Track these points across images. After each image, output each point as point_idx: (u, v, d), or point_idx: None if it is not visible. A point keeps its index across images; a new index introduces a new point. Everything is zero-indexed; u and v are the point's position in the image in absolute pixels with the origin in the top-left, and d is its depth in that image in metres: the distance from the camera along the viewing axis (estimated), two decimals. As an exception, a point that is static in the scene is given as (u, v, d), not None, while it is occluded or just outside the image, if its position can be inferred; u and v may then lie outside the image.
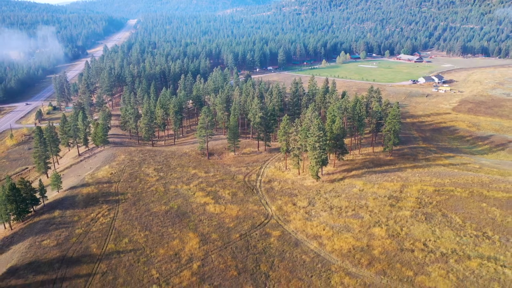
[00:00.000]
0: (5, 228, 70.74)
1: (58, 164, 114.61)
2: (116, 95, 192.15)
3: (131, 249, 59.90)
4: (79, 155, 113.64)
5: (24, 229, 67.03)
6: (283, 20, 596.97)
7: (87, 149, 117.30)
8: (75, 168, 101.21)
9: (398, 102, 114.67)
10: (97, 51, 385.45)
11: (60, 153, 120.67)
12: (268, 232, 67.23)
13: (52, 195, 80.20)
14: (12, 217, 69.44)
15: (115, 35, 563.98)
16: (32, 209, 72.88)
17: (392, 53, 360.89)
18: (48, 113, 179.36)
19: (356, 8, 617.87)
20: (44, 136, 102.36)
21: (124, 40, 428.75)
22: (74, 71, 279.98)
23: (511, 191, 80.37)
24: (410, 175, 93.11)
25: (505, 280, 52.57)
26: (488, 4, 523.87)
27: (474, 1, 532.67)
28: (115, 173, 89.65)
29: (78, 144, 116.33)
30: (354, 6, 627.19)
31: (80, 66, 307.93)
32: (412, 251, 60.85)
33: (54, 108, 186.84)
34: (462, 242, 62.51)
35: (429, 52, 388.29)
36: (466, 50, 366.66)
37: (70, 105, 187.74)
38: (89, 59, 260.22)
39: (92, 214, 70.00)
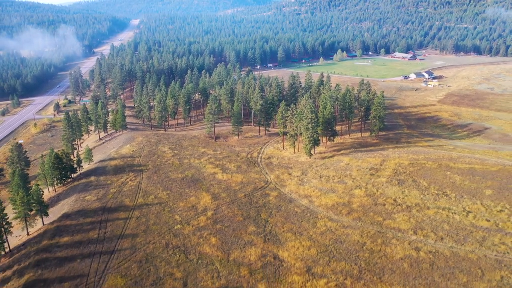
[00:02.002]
0: (49, 191, 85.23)
1: (81, 147, 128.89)
2: (126, 90, 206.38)
3: (157, 202, 74.37)
4: (100, 139, 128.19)
5: (67, 190, 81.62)
6: (283, 20, 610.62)
7: (106, 134, 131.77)
8: (99, 148, 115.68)
9: (383, 92, 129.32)
10: (104, 49, 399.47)
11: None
12: (267, 193, 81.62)
13: (85, 166, 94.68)
14: (55, 182, 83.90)
15: (119, 35, 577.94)
16: (70, 176, 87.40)
17: (387, 52, 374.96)
18: (64, 106, 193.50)
19: (355, 8, 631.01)
20: (71, 121, 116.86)
21: (128, 40, 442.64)
22: (83, 69, 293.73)
23: (473, 163, 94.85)
24: (390, 153, 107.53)
25: (453, 222, 66.89)
26: (483, 4, 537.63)
27: (470, 1, 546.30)
28: (136, 150, 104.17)
29: (98, 130, 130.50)
30: (352, 6, 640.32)
31: (88, 64, 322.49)
32: (384, 205, 75.20)
33: (69, 102, 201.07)
34: (425, 198, 76.91)
35: (423, 51, 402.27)
36: (458, 49, 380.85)
37: (84, 98, 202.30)
38: (97, 57, 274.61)
39: (122, 179, 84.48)
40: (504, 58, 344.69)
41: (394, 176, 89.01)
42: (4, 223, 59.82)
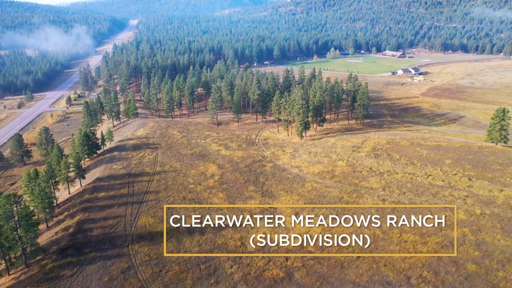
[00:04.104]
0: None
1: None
2: (132, 85, 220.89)
3: (172, 170, 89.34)
4: (114, 126, 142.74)
5: (95, 162, 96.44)
6: (279, 20, 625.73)
7: (119, 121, 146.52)
8: (115, 132, 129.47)
9: (367, 83, 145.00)
10: (106, 48, 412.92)
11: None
12: (264, 164, 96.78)
13: (106, 145, 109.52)
14: (84, 156, 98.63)
15: (118, 35, 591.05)
16: (96, 152, 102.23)
17: (379, 50, 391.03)
18: (75, 100, 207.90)
19: (349, 8, 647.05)
20: (90, 109, 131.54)
21: (128, 39, 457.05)
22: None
23: (440, 141, 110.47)
24: (372, 135, 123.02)
25: (415, 182, 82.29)
26: (473, 4, 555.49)
27: (460, 1, 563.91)
28: (149, 133, 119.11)
29: (113, 118, 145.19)
30: (347, 6, 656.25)
31: (92, 62, 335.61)
32: (361, 172, 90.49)
33: (79, 96, 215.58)
34: (395, 167, 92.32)
35: (414, 49, 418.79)
36: (447, 47, 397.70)
37: (92, 93, 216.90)
38: (103, 55, 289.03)
39: (140, 154, 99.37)
40: (489, 55, 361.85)
41: (372, 151, 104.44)
42: (53, 181, 74.56)
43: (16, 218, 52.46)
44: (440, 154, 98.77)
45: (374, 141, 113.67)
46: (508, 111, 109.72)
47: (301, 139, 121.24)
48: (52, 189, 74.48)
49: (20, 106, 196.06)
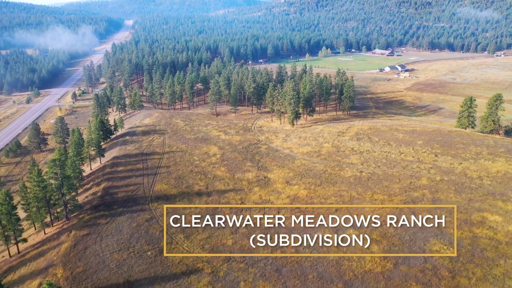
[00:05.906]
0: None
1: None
2: (134, 81, 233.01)
3: (179, 150, 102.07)
4: (121, 117, 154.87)
5: (110, 145, 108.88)
6: (273, 20, 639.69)
7: (125, 113, 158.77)
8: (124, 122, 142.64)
9: (352, 76, 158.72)
10: (104, 48, 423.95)
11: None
12: (259, 146, 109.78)
13: (118, 131, 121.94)
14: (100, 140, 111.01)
15: (115, 35, 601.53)
16: (110, 137, 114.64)
17: (369, 49, 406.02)
18: (79, 95, 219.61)
19: (341, 8, 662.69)
20: (100, 101, 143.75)
21: (126, 39, 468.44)
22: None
23: (416, 127, 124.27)
24: (356, 123, 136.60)
25: (389, 158, 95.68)
26: (461, 4, 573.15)
27: (449, 2, 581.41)
28: (155, 121, 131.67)
29: (120, 110, 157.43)
30: (339, 7, 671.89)
31: (92, 60, 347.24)
32: (344, 151, 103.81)
33: (83, 92, 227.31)
34: (374, 147, 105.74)
35: (402, 48, 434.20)
36: (434, 46, 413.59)
37: (96, 89, 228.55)
38: (104, 54, 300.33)
39: (150, 138, 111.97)
40: (474, 54, 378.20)
41: (355, 136, 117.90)
42: (78, 158, 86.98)
43: (60, 179, 64.91)
44: (414, 137, 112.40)
45: (357, 128, 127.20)
46: (475, 100, 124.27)
47: (293, 127, 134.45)
48: (78, 164, 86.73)
49: (28, 101, 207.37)
